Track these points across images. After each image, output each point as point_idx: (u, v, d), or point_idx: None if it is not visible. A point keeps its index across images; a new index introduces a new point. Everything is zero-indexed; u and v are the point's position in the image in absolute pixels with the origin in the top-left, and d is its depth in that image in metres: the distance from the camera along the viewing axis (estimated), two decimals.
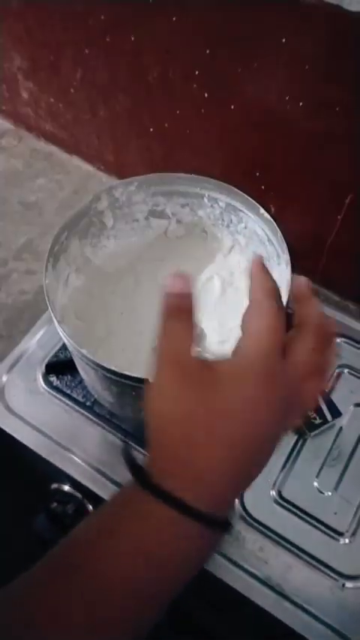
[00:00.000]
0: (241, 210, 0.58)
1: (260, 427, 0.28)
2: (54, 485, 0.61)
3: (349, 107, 0.48)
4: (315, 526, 0.54)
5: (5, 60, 0.76)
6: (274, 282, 0.31)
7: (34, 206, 0.80)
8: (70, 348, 0.50)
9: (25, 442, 0.58)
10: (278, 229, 0.53)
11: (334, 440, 0.58)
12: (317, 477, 0.56)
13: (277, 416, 0.28)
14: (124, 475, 0.30)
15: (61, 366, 0.63)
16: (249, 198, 0.56)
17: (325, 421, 0.57)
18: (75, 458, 0.58)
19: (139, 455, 0.54)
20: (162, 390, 0.29)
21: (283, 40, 0.47)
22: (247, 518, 0.54)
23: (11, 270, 0.73)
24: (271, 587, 0.51)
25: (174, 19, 0.52)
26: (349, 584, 0.51)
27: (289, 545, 0.53)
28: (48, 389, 0.62)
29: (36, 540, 0.60)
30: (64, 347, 0.64)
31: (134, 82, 0.62)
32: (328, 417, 0.57)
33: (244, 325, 0.30)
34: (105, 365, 0.45)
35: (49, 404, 0.61)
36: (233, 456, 0.27)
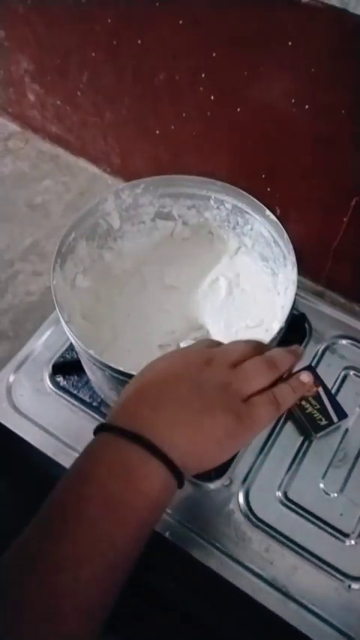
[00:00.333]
0: (247, 212, 0.58)
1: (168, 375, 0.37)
2: None
3: (355, 110, 0.48)
4: (321, 527, 0.54)
5: (12, 63, 0.76)
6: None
7: (40, 208, 0.80)
8: (78, 349, 0.50)
9: (31, 441, 0.59)
10: (284, 231, 0.53)
11: (340, 441, 0.58)
12: (323, 478, 0.56)
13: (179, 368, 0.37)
14: None
15: (67, 367, 0.63)
16: (255, 200, 0.56)
17: (331, 422, 0.57)
18: None
19: None
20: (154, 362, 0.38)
21: (289, 44, 0.47)
22: (253, 518, 0.54)
23: (18, 272, 0.73)
24: (277, 588, 0.51)
25: (180, 22, 0.53)
26: (354, 586, 0.51)
27: (294, 546, 0.53)
28: (54, 389, 0.62)
29: None
30: (70, 348, 0.64)
31: (140, 85, 0.63)
32: (334, 418, 0.57)
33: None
34: (112, 365, 0.45)
35: (55, 404, 0.61)
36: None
